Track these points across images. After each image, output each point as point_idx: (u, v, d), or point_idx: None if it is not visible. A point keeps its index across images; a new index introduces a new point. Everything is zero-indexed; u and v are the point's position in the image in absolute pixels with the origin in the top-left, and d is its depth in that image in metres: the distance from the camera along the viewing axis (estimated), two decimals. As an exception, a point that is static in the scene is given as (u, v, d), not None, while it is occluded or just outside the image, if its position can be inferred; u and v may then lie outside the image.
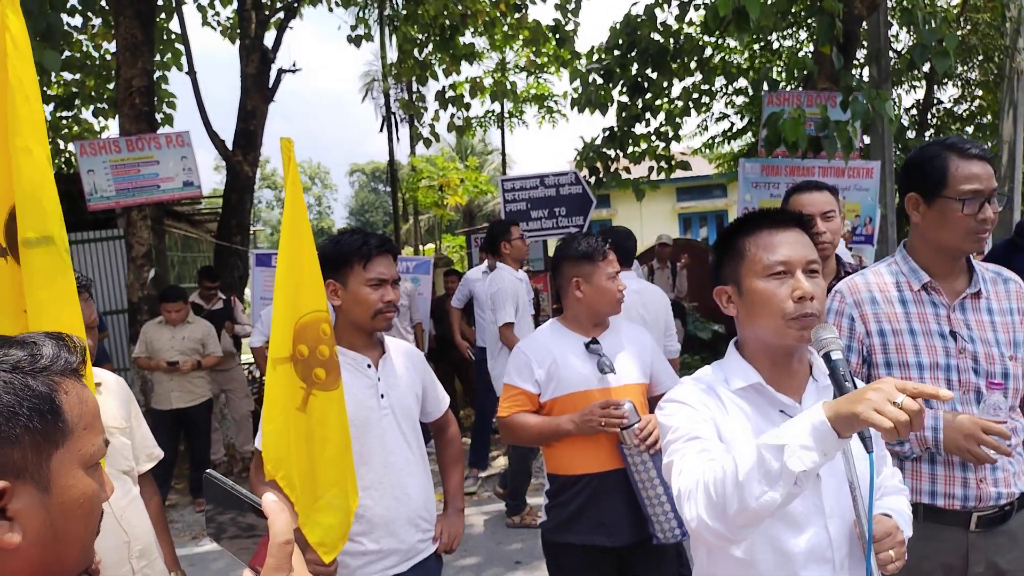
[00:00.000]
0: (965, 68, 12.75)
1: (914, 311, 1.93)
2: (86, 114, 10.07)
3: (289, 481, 1.86)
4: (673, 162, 7.73)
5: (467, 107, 8.65)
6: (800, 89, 6.80)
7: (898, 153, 10.60)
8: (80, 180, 6.27)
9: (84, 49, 9.41)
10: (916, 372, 1.90)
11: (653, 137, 7.74)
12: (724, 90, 11.76)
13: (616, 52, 7.22)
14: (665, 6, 6.91)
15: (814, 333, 1.37)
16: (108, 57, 9.31)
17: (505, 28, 9.13)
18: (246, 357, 7.42)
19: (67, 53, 8.75)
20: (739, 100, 12.27)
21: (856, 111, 5.33)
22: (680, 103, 7.70)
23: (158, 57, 8.46)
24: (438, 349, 7.33)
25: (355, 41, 8.83)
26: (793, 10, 8.65)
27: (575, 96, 7.43)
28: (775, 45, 12.09)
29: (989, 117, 13.00)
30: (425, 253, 21.35)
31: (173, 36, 9.02)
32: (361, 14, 10.12)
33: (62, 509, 0.79)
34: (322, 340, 1.90)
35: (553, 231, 6.98)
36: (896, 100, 11.81)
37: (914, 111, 13.27)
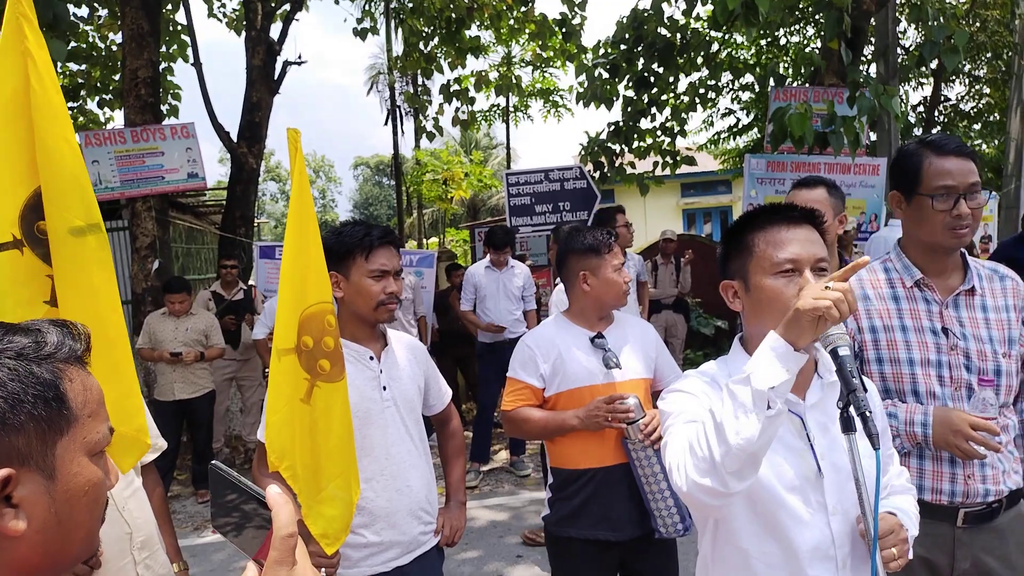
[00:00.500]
0: (973, 65, 12.69)
1: (906, 307, 1.93)
2: (91, 105, 10.08)
3: (293, 472, 1.86)
4: (678, 157, 7.71)
5: (472, 101, 8.65)
6: (807, 85, 6.77)
7: (904, 150, 10.55)
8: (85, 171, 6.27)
9: (90, 40, 9.41)
10: (907, 368, 1.91)
11: (658, 132, 7.72)
12: (730, 86, 11.73)
13: (622, 47, 7.20)
14: (672, 1, 6.89)
15: None
16: (114, 48, 9.31)
17: (511, 21, 9.11)
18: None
19: (73, 43, 8.75)
20: (745, 96, 12.22)
21: (863, 107, 5.30)
22: (686, 98, 7.67)
23: (164, 48, 8.46)
24: (441, 343, 7.33)
25: (361, 34, 8.82)
26: (800, 5, 8.62)
27: (580, 90, 7.42)
28: (782, 41, 12.04)
29: (997, 115, 12.94)
30: (429, 247, 21.36)
31: (179, 27, 9.02)
32: (367, 7, 10.12)
33: (67, 496, 0.79)
34: (327, 331, 1.90)
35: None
36: (903, 97, 11.75)
37: (921, 108, 13.21)
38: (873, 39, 7.52)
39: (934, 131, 12.82)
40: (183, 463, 6.38)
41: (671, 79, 7.33)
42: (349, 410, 1.96)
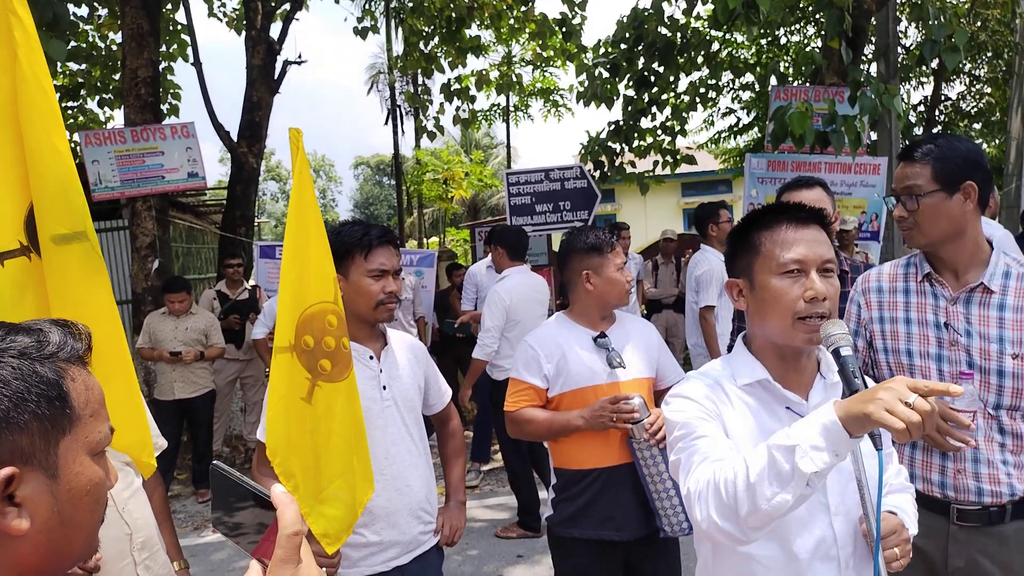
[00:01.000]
0: (974, 65, 12.68)
1: (913, 301, 1.98)
2: (91, 104, 10.09)
3: (286, 470, 1.86)
4: (678, 156, 7.70)
5: (472, 100, 8.64)
6: (807, 84, 6.77)
7: (905, 150, 10.54)
8: (85, 170, 6.28)
9: (90, 39, 9.41)
10: (906, 359, 1.95)
11: (659, 131, 7.71)
12: (731, 85, 11.71)
13: (623, 46, 7.19)
14: (672, 0, 6.88)
15: (823, 329, 1.35)
16: (114, 47, 9.31)
17: (511, 21, 9.10)
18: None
19: (73, 43, 8.74)
20: (746, 95, 12.20)
21: (864, 106, 5.30)
22: (686, 98, 7.66)
23: (164, 48, 8.46)
24: (441, 342, 7.33)
25: (361, 33, 8.82)
26: (801, 5, 8.62)
27: (581, 90, 7.41)
28: (782, 40, 12.03)
29: (998, 114, 12.93)
30: (429, 246, 21.36)
31: (179, 27, 9.02)
32: (367, 6, 10.12)
33: (69, 496, 0.79)
34: (328, 331, 1.89)
35: (558, 225, 6.98)
36: (905, 96, 11.75)
37: (922, 107, 13.20)
38: (874, 38, 7.51)
39: (935, 130, 12.82)
40: (183, 463, 6.38)
41: (671, 78, 7.33)
42: (356, 411, 1.95)
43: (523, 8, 8.58)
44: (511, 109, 19.71)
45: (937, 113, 13.04)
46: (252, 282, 7.26)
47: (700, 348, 5.09)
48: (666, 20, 6.92)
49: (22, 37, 1.52)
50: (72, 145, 10.36)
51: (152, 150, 6.37)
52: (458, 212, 27.28)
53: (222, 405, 6.47)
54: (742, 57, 11.04)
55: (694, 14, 7.26)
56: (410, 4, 8.83)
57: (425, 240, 25.25)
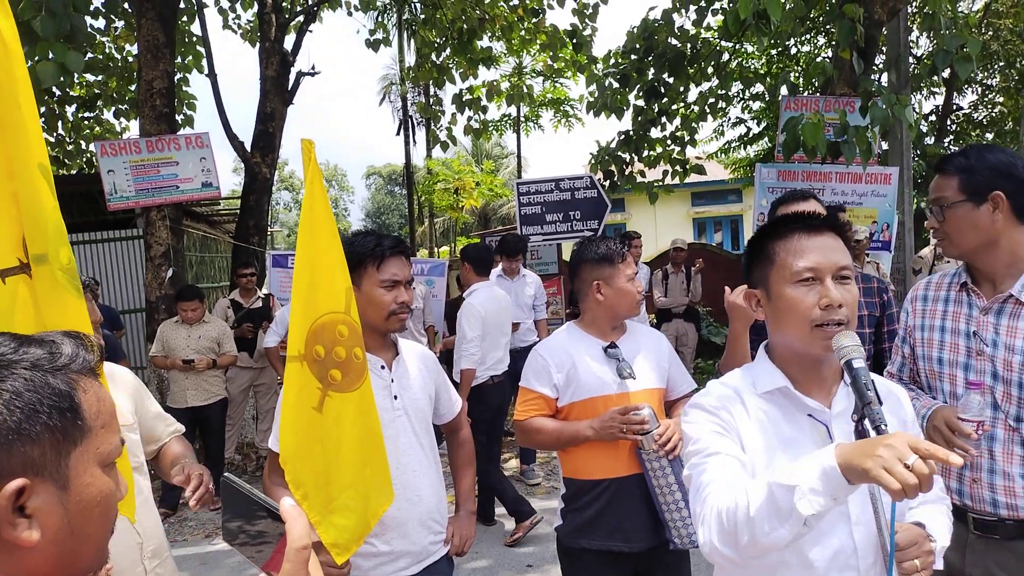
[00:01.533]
0: (986, 74, 12.63)
1: (951, 309, 2.00)
2: (108, 115, 10.21)
3: (296, 478, 1.87)
4: (688, 166, 7.70)
5: (484, 111, 8.67)
6: (818, 94, 6.76)
7: (916, 159, 10.50)
8: (101, 180, 6.35)
9: (106, 51, 9.54)
10: (937, 366, 1.98)
11: (668, 141, 7.72)
12: (741, 95, 11.71)
13: (633, 56, 7.22)
14: (683, 11, 6.90)
15: (835, 340, 1.34)
16: (130, 59, 9.43)
17: (522, 32, 9.15)
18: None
19: (90, 55, 8.86)
20: (756, 105, 12.21)
21: (876, 116, 5.28)
22: (696, 108, 7.67)
23: (179, 59, 8.55)
24: (452, 351, 7.32)
25: (373, 45, 8.89)
26: (812, 15, 8.61)
27: (591, 100, 7.43)
28: (793, 51, 12.03)
29: (1010, 123, 12.85)
30: (440, 255, 21.41)
31: (194, 38, 9.12)
32: (380, 18, 10.19)
33: (80, 507, 0.79)
34: (338, 342, 1.90)
35: (568, 235, 6.98)
36: (916, 106, 11.70)
37: (933, 117, 13.14)
38: (885, 48, 7.48)
39: (946, 140, 12.75)
40: (195, 471, 6.40)
41: (681, 88, 7.34)
42: (370, 421, 1.95)
43: (534, 20, 8.63)
44: (522, 119, 19.78)
45: (949, 123, 12.98)
46: (265, 291, 7.31)
47: None
48: (676, 31, 6.94)
49: (0, 51, 1.47)
50: (88, 155, 10.53)
51: (167, 160, 6.43)
52: (469, 221, 27.36)
53: (235, 413, 6.50)
54: (752, 67, 11.04)
55: (704, 25, 7.27)
56: (422, 16, 8.90)
57: (436, 249, 25.33)
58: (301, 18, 9.42)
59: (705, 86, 7.67)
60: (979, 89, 13.18)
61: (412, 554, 2.13)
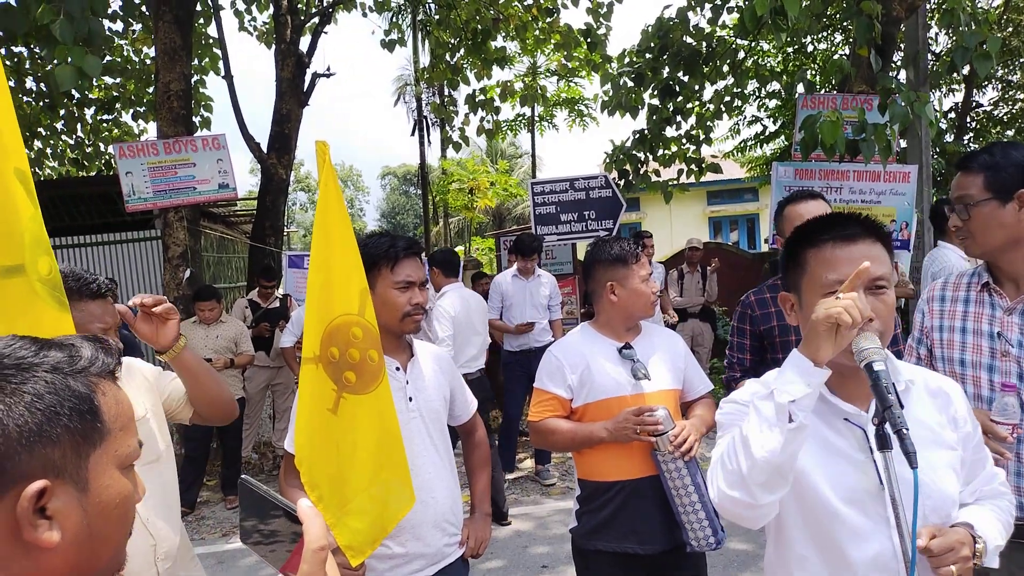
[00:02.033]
0: (1006, 71, 12.45)
1: (972, 310, 1.98)
2: (126, 117, 10.33)
3: (311, 480, 1.87)
4: (704, 165, 7.66)
5: (498, 111, 8.68)
6: (835, 92, 6.69)
7: (936, 157, 10.37)
8: (119, 182, 6.42)
9: (124, 54, 9.65)
10: (959, 368, 1.95)
11: (684, 140, 7.68)
12: (756, 93, 11.62)
13: (648, 55, 7.18)
14: (698, 9, 6.86)
15: (855, 343, 1.31)
16: (147, 61, 9.53)
17: (536, 32, 9.15)
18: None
19: (108, 58, 8.96)
20: (772, 103, 12.11)
21: (895, 114, 5.22)
22: (712, 106, 7.62)
23: (196, 62, 8.63)
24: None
25: (388, 46, 8.93)
26: (829, 12, 8.53)
27: (605, 99, 7.41)
28: (809, 48, 11.92)
29: (1032, 121, 12.66)
30: (455, 255, 21.42)
31: (211, 41, 9.20)
32: (395, 19, 10.21)
33: (99, 509, 0.80)
34: (352, 343, 1.90)
35: (583, 234, 6.97)
36: (935, 103, 11.56)
37: (952, 114, 12.98)
38: (903, 45, 7.40)
39: (966, 138, 12.59)
40: (212, 469, 6.46)
41: (696, 87, 7.30)
42: (387, 423, 1.94)
43: (548, 20, 8.62)
44: (536, 119, 19.77)
45: (969, 120, 12.81)
46: (282, 291, 7.36)
47: None
48: (691, 29, 6.90)
49: None
50: (107, 157, 10.66)
51: (184, 162, 6.49)
52: (483, 221, 27.37)
53: (253, 412, 6.55)
54: (768, 65, 10.95)
55: (719, 23, 7.23)
56: (436, 17, 8.91)
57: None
58: (316, 20, 9.48)
59: (720, 84, 7.63)
60: (1000, 86, 12.99)
61: (427, 556, 2.13)
